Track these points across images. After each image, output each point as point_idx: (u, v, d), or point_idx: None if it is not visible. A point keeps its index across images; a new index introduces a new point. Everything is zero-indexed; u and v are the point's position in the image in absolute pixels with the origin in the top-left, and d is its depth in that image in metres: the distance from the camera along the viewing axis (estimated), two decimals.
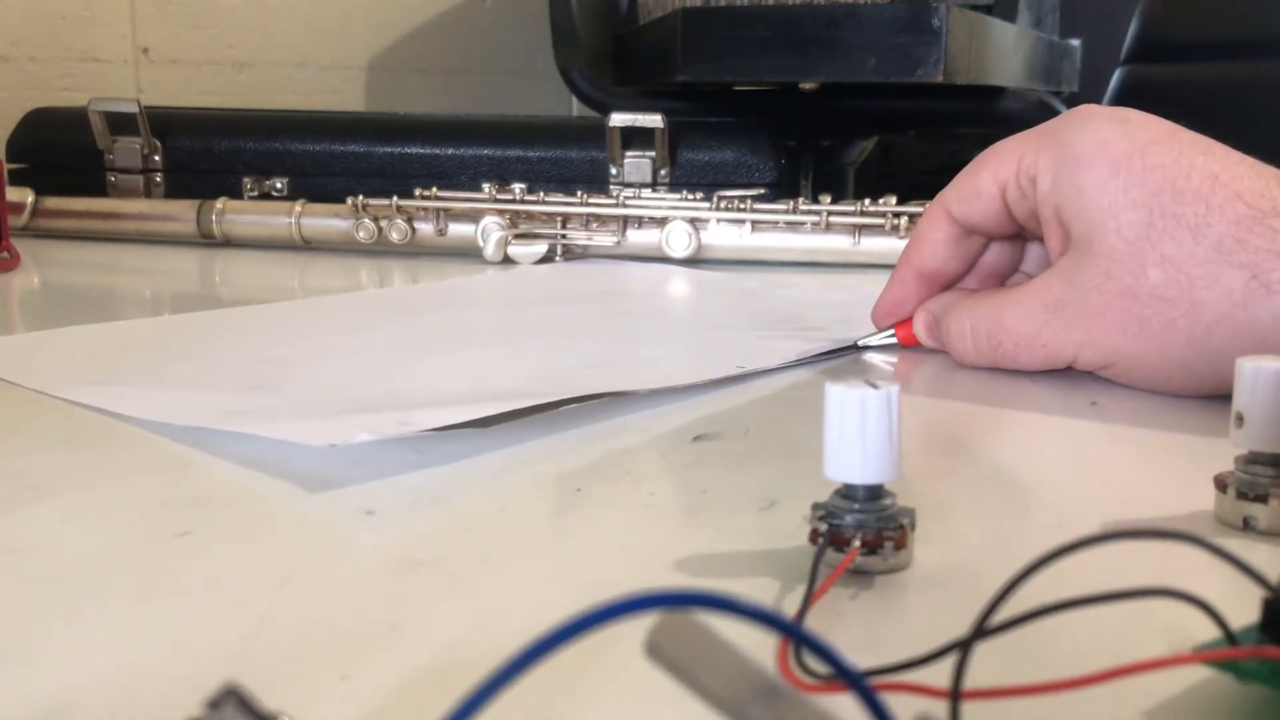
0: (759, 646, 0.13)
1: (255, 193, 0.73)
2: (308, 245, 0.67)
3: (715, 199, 0.61)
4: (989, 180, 0.35)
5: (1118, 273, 0.31)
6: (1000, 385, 0.36)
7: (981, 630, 0.14)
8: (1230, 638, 0.15)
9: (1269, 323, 0.29)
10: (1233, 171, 0.30)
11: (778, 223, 0.61)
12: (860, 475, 0.20)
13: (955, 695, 0.13)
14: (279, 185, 0.73)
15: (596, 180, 0.71)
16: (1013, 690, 0.14)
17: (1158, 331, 0.30)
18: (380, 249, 0.65)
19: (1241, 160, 0.31)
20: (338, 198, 0.66)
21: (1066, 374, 0.36)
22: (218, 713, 0.11)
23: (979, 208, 0.36)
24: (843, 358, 0.38)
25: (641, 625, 0.11)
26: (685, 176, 0.71)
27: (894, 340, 0.39)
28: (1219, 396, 0.33)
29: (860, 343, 0.39)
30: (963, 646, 0.14)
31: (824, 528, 0.20)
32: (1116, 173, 0.31)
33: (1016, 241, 0.38)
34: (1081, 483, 0.26)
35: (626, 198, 0.62)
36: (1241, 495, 0.22)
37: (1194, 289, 0.29)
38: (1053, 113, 0.68)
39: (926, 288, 0.38)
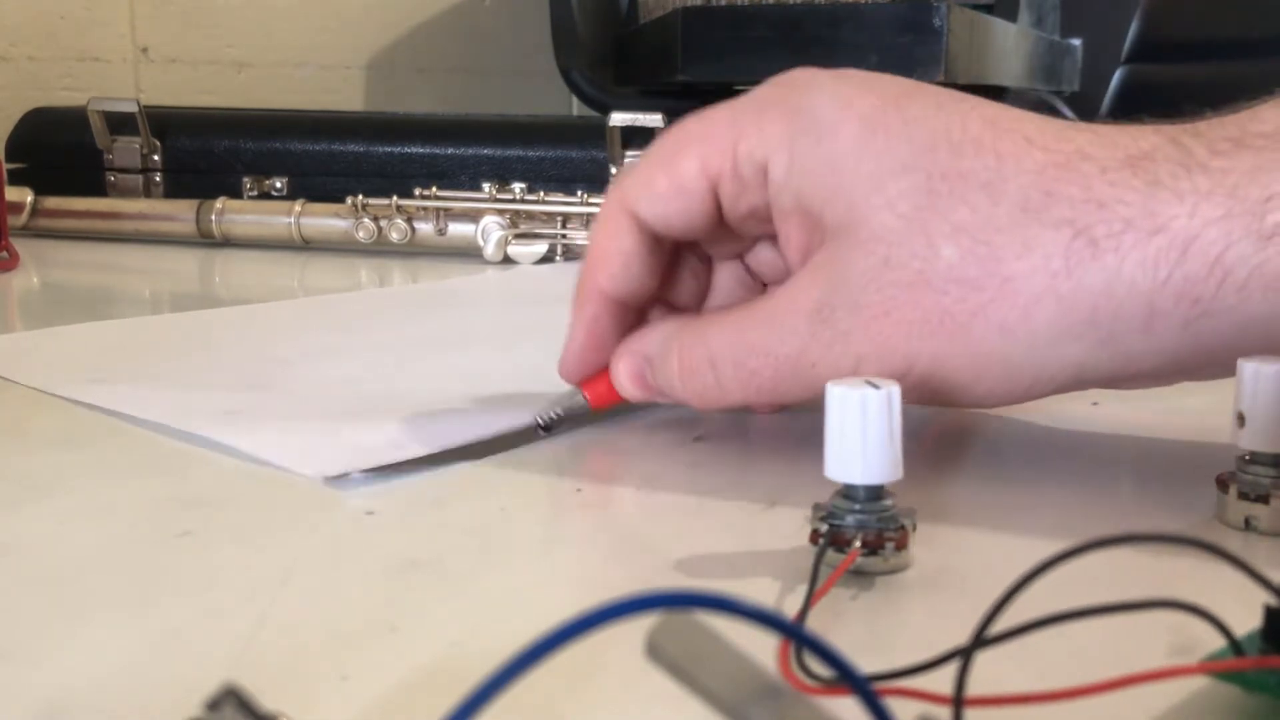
0: (760, 648, 0.13)
1: (255, 192, 0.73)
2: (307, 245, 0.67)
3: None
4: (695, 172, 0.26)
5: (899, 258, 0.24)
6: None
7: (983, 639, 0.14)
8: (1235, 647, 0.15)
9: (1099, 290, 0.23)
10: (1010, 116, 0.25)
11: None
12: (861, 476, 0.20)
13: (958, 703, 0.13)
14: (278, 185, 0.73)
15: (597, 180, 0.71)
16: (1016, 698, 0.14)
17: (963, 322, 0.24)
18: (380, 249, 0.65)
19: (1011, 108, 0.25)
20: (337, 197, 0.66)
21: None
22: (217, 713, 0.11)
23: (679, 207, 0.27)
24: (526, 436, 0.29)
25: (642, 626, 0.11)
26: None
27: (583, 404, 0.29)
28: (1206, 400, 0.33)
29: (541, 420, 0.29)
30: (964, 654, 0.13)
31: (825, 528, 0.20)
32: (872, 133, 0.24)
33: (699, 255, 0.30)
34: (1083, 483, 0.26)
35: None
36: (1243, 496, 0.22)
37: (1001, 262, 0.23)
38: (1054, 113, 0.68)
39: (621, 321, 0.29)
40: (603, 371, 0.29)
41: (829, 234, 0.25)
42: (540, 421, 0.29)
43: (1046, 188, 0.23)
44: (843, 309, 0.25)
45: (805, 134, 0.25)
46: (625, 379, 0.28)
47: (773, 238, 0.28)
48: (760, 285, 0.30)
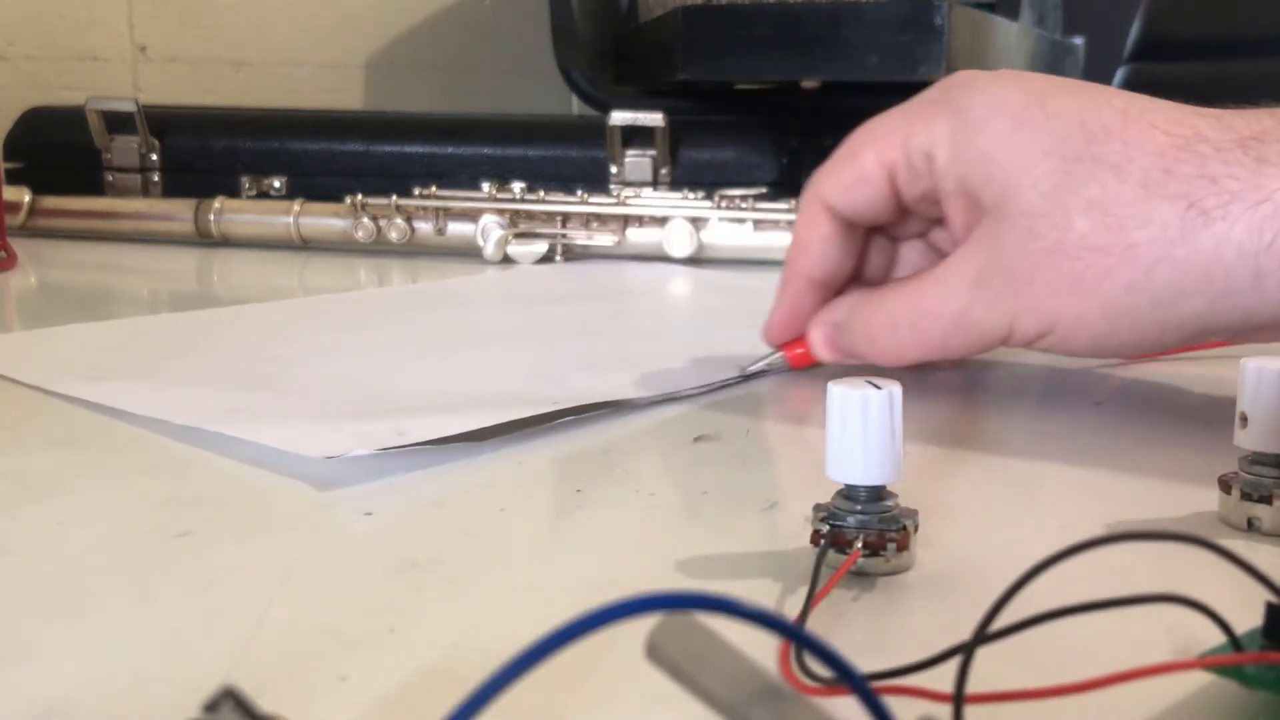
0: (760, 649, 0.13)
1: (253, 192, 0.73)
2: (306, 245, 0.66)
3: (716, 198, 0.61)
4: (874, 164, 0.32)
5: (1041, 229, 0.28)
6: (1003, 385, 0.35)
7: (984, 635, 0.14)
8: (1235, 643, 0.15)
9: (1210, 253, 0.26)
10: (1140, 105, 0.28)
11: (779, 222, 0.61)
12: (862, 476, 0.20)
13: (958, 700, 0.13)
14: (277, 184, 0.73)
15: (596, 179, 0.71)
16: (1016, 694, 0.14)
17: (1093, 284, 0.27)
18: (379, 248, 0.65)
19: (1142, 96, 0.29)
20: (336, 197, 0.65)
21: (1069, 374, 0.36)
22: (215, 715, 0.11)
23: (864, 195, 0.32)
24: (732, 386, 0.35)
25: (642, 627, 0.11)
26: (686, 175, 0.71)
27: (783, 362, 0.35)
28: (1222, 392, 0.33)
29: (748, 370, 0.36)
30: (965, 650, 0.13)
31: (826, 529, 0.20)
32: (1019, 126, 0.29)
33: (887, 237, 0.36)
34: (1085, 484, 0.26)
35: (627, 197, 0.62)
36: (1245, 496, 0.22)
37: (1126, 231, 0.27)
38: None
39: (821, 297, 0.35)
40: (800, 337, 0.35)
41: (986, 211, 0.29)
42: (744, 374, 0.35)
43: (1166, 167, 0.27)
44: (997, 274, 0.29)
45: (964, 129, 0.30)
46: (820, 344, 0.34)
47: (943, 218, 0.32)
48: (938, 257, 0.34)
